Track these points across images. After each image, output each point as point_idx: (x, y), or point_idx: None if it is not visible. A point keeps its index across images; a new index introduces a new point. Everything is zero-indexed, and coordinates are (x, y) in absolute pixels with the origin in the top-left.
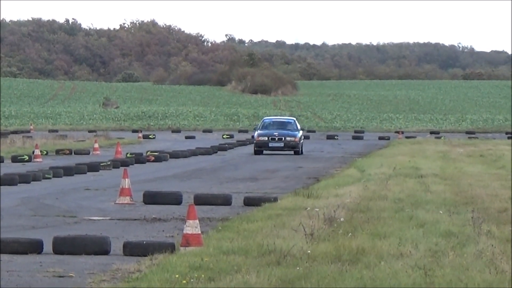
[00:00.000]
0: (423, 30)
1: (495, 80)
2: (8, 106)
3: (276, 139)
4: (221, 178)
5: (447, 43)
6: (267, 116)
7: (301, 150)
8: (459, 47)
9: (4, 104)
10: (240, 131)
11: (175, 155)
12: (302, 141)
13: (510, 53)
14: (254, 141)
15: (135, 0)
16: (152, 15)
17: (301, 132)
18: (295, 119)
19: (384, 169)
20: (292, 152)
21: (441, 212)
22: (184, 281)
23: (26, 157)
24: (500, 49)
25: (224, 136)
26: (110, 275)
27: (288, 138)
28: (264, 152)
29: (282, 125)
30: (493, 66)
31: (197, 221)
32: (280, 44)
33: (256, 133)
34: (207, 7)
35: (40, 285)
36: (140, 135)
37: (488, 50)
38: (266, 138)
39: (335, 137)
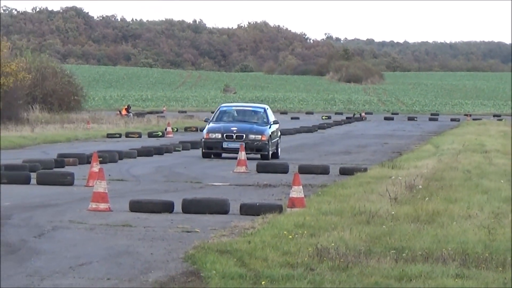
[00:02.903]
0: (488, 30)
1: None
2: (145, 91)
3: (234, 137)
4: (321, 152)
5: (507, 42)
6: (226, 103)
7: (272, 153)
8: None
9: (141, 89)
10: (336, 113)
11: (283, 132)
12: (276, 139)
13: None
14: (202, 139)
15: (251, 1)
16: (264, 16)
17: (274, 126)
18: (266, 107)
19: (455, 145)
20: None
21: (502, 181)
22: (290, 236)
23: (160, 133)
24: None
25: (323, 117)
26: (229, 231)
27: (251, 136)
28: (214, 155)
29: (246, 115)
30: None
31: (301, 187)
32: (369, 42)
33: (206, 128)
34: (310, 10)
35: (171, 238)
36: None
37: None
38: (220, 135)
39: (415, 119)
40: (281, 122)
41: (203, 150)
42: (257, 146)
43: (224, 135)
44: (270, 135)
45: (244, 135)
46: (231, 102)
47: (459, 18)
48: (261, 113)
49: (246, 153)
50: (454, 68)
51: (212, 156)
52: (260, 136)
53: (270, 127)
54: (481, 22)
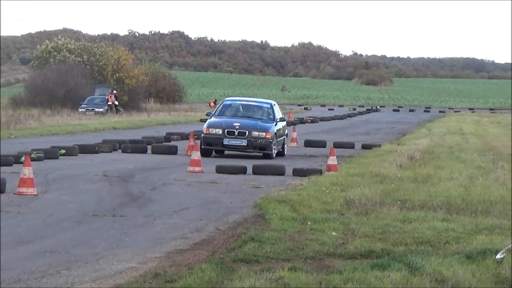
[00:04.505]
0: (466, 48)
1: (508, 79)
2: (227, 89)
3: (236, 133)
4: (349, 133)
5: (478, 57)
6: (230, 97)
7: (278, 152)
8: (486, 60)
9: (224, 88)
10: (359, 106)
11: (322, 119)
12: (283, 138)
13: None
14: (202, 134)
15: (300, 28)
16: (310, 38)
17: (280, 124)
18: (274, 103)
19: (442, 129)
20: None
21: (475, 154)
22: (327, 191)
23: None
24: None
25: (350, 109)
26: (285, 187)
27: (254, 133)
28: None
29: (250, 110)
30: (507, 71)
31: (335, 157)
32: (383, 57)
33: (206, 122)
34: (342, 35)
35: (245, 192)
36: (302, 107)
37: (503, 62)
38: (220, 131)
39: (414, 111)
40: (321, 112)
41: (202, 147)
42: (261, 144)
43: (226, 130)
44: (275, 133)
45: (247, 132)
46: (237, 96)
47: (446, 40)
48: (267, 108)
49: (248, 152)
50: (442, 76)
51: (214, 152)
52: (264, 134)
53: (276, 124)
54: (461, 43)
